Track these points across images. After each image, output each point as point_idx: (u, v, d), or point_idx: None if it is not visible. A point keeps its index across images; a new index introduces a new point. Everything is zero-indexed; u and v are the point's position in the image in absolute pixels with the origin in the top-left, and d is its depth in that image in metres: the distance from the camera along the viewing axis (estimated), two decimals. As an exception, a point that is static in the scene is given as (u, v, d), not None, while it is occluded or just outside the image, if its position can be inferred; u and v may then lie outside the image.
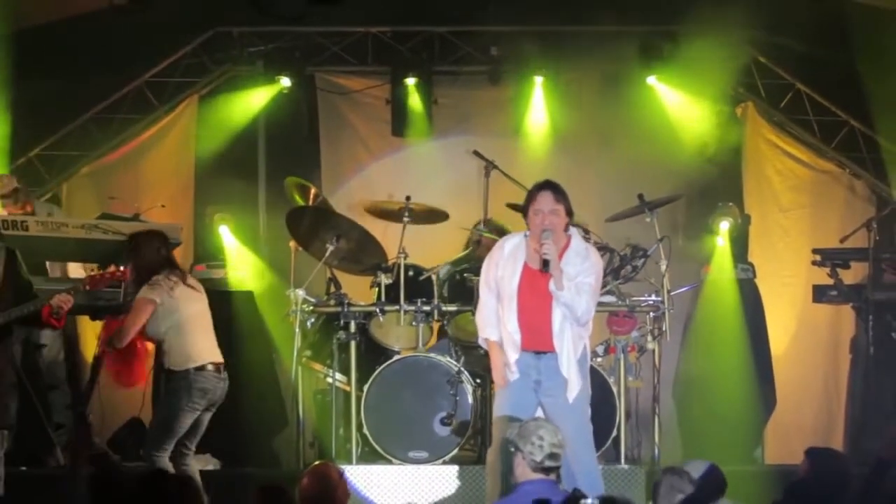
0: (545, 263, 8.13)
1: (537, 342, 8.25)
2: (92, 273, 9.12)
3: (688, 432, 11.53)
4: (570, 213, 8.34)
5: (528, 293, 8.24)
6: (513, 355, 8.24)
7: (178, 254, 11.38)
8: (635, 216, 10.62)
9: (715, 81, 12.40)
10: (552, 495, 6.83)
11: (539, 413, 8.21)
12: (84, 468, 7.79)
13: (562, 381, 8.22)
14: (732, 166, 12.92)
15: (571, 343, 8.26)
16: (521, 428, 7.22)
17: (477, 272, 10.11)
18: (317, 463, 8.56)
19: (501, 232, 10.66)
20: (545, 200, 8.30)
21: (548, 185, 8.40)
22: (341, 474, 7.61)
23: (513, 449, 7.14)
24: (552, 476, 7.11)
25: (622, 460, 10.07)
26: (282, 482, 7.36)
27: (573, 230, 8.43)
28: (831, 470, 7.24)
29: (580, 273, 8.26)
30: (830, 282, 11.23)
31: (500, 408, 8.30)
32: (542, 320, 8.24)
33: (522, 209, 8.43)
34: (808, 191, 13.00)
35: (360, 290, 10.91)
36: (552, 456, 7.05)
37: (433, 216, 10.96)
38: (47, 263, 10.56)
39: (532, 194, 8.39)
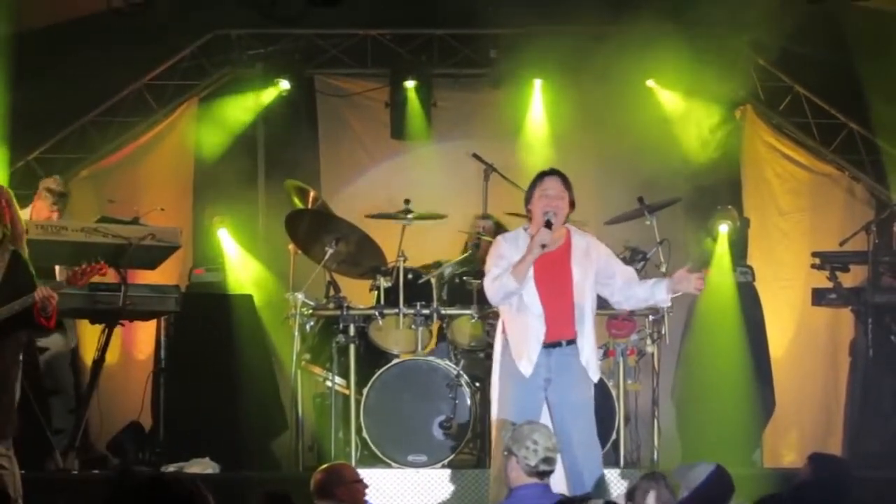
0: (548, 223, 8.08)
1: (558, 329, 8.15)
2: (74, 269, 9.08)
3: (687, 435, 11.51)
4: (573, 204, 8.31)
5: (544, 277, 8.16)
6: (534, 350, 8.13)
7: (178, 257, 11.44)
8: (635, 219, 10.62)
9: (713, 84, 12.41)
10: (546, 500, 6.83)
11: (544, 413, 8.17)
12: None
13: (572, 377, 8.14)
14: (731, 169, 12.92)
15: (592, 328, 8.25)
16: (514, 431, 7.20)
17: (476, 275, 10.14)
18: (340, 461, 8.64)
19: (500, 227, 10.69)
20: (553, 184, 8.25)
21: (555, 171, 8.39)
22: (356, 480, 7.64)
23: (506, 453, 7.13)
24: (546, 480, 7.10)
25: (621, 464, 10.06)
26: (287, 491, 7.36)
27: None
28: (833, 475, 7.23)
29: (609, 264, 8.32)
30: (830, 285, 11.21)
31: (505, 409, 8.21)
32: (564, 304, 8.17)
33: (526, 195, 8.36)
34: (807, 194, 13.00)
35: (359, 294, 10.92)
36: (546, 460, 7.04)
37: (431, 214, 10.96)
38: (56, 268, 10.53)
39: (539, 178, 8.33)
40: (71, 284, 8.83)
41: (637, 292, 8.36)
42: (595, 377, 8.27)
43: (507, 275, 8.10)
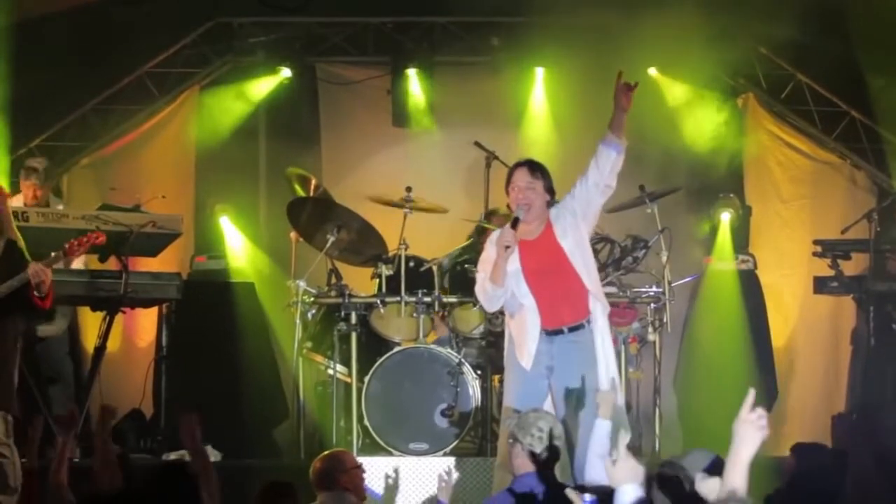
0: (515, 220, 8.03)
1: (557, 316, 8.12)
2: (70, 241, 9.09)
3: (689, 424, 11.53)
4: (550, 190, 8.23)
5: (534, 267, 8.13)
6: (532, 341, 8.12)
7: (179, 244, 11.43)
8: (636, 207, 10.62)
9: (716, 73, 12.40)
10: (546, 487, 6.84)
11: (548, 402, 8.17)
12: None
13: (575, 365, 8.08)
14: (733, 157, 12.90)
15: (597, 282, 8.23)
16: (520, 419, 7.19)
17: (477, 263, 10.14)
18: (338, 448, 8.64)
19: (504, 221, 10.69)
20: (520, 176, 8.20)
21: (524, 162, 8.34)
22: (357, 465, 7.67)
23: (511, 440, 7.13)
24: (551, 467, 7.10)
25: (623, 452, 10.04)
26: (288, 479, 7.37)
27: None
28: (820, 463, 7.22)
29: (576, 192, 8.18)
30: (831, 273, 11.21)
31: (509, 398, 8.22)
32: (561, 287, 8.14)
33: (505, 190, 8.34)
34: (808, 182, 12.99)
35: (360, 282, 10.92)
36: (551, 448, 7.04)
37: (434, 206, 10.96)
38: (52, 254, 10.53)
39: (509, 173, 8.31)
40: (68, 256, 8.84)
41: (597, 157, 8.17)
42: (612, 366, 8.22)
43: (486, 280, 8.11)
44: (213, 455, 10.48)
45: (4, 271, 8.51)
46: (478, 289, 8.27)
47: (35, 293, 8.52)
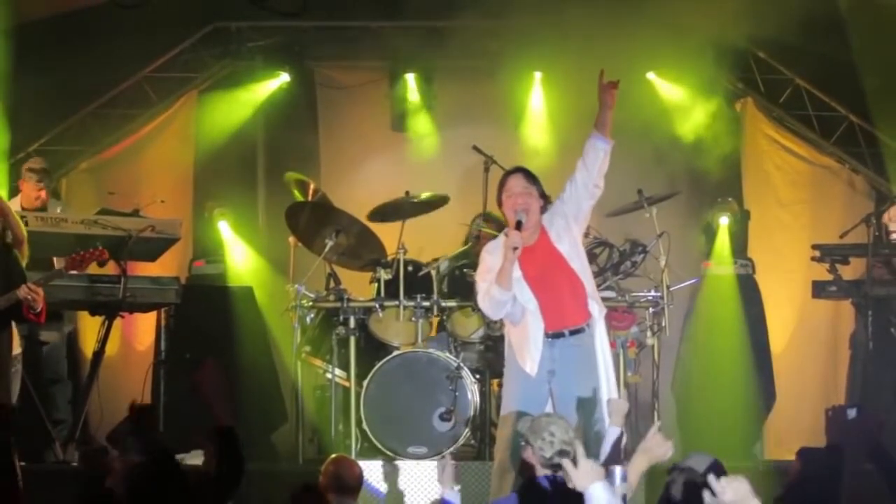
0: (518, 223, 8.03)
1: (558, 318, 8.11)
2: (72, 255, 9.10)
3: (687, 428, 11.53)
4: (543, 196, 8.25)
5: (533, 272, 8.13)
6: (535, 347, 8.11)
7: (178, 249, 11.45)
8: (634, 211, 10.62)
9: (714, 77, 12.40)
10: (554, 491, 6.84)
11: (549, 406, 8.16)
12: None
13: (576, 369, 8.09)
14: (732, 162, 12.91)
15: (592, 282, 8.23)
16: (532, 422, 7.20)
17: (476, 267, 10.14)
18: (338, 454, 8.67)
19: (500, 225, 10.68)
20: (516, 182, 8.22)
21: (518, 169, 8.35)
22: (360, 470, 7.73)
23: (523, 443, 7.14)
24: (560, 472, 7.10)
25: (621, 456, 10.04)
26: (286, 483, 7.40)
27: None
28: (824, 467, 7.23)
29: (566, 196, 8.20)
30: (830, 277, 11.22)
31: (509, 403, 8.21)
32: (561, 290, 8.14)
33: (496, 199, 8.32)
34: (807, 186, 13.01)
35: (359, 286, 10.92)
36: (562, 452, 7.05)
37: (433, 202, 10.94)
38: (54, 259, 10.55)
39: (502, 180, 8.31)
40: (70, 270, 8.85)
41: (584, 156, 8.17)
42: (610, 367, 8.24)
43: (493, 286, 8.08)
44: (197, 457, 10.48)
45: (2, 278, 8.53)
46: (481, 298, 8.23)
47: (30, 311, 8.54)
